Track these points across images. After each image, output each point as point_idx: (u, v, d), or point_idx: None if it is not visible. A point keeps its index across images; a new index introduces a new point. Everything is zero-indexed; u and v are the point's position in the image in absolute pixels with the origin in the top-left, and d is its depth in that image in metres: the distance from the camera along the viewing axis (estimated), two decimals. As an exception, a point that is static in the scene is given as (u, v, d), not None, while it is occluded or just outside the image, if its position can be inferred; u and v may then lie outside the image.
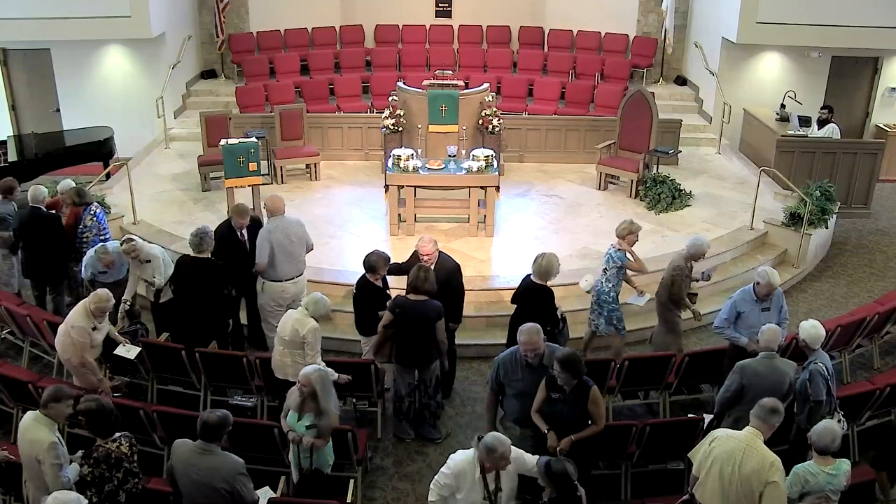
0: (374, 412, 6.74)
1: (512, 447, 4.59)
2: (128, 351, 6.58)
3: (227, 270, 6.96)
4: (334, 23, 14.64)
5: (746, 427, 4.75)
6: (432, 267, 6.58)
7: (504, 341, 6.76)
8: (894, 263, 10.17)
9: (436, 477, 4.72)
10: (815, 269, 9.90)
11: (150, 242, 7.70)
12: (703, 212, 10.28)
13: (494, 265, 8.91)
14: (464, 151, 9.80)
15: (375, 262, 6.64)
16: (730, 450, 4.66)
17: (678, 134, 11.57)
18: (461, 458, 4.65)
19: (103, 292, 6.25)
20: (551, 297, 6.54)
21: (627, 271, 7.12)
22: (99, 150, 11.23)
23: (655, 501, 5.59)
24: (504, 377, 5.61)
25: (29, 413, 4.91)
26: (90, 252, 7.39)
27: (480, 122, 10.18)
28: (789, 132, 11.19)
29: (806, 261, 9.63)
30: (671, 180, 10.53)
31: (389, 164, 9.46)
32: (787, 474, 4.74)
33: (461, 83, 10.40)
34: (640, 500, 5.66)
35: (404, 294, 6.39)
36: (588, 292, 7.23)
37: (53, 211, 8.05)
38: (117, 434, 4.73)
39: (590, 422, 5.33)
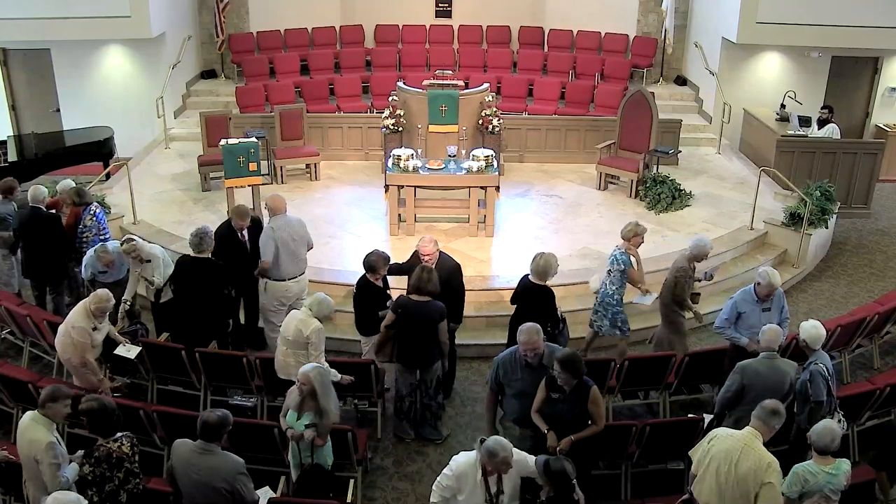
0: (374, 412, 6.74)
1: (514, 450, 4.58)
2: (128, 351, 6.57)
3: (227, 270, 6.96)
4: (334, 23, 14.64)
5: (746, 427, 4.76)
6: (433, 267, 6.58)
7: (504, 341, 6.76)
8: (894, 263, 10.17)
9: (438, 478, 4.71)
10: (815, 269, 9.90)
11: (150, 242, 7.70)
12: (703, 212, 10.28)
13: (494, 265, 8.91)
14: (464, 151, 9.80)
15: (375, 262, 6.64)
16: (727, 448, 4.67)
17: (678, 134, 11.57)
18: (463, 460, 4.64)
19: (103, 292, 6.25)
20: (551, 297, 6.53)
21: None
22: (99, 150, 11.23)
23: (655, 501, 5.59)
24: (504, 377, 5.60)
25: (28, 413, 4.91)
26: (90, 252, 7.39)
27: (480, 122, 10.18)
28: (789, 132, 11.19)
29: (806, 261, 9.63)
30: (671, 180, 10.53)
31: (389, 164, 9.46)
32: (786, 474, 4.75)
33: (461, 83, 10.40)
34: (640, 500, 5.66)
35: (406, 294, 6.39)
36: (595, 293, 7.23)
37: (53, 211, 8.05)
38: (119, 434, 4.73)
39: (590, 422, 5.33)
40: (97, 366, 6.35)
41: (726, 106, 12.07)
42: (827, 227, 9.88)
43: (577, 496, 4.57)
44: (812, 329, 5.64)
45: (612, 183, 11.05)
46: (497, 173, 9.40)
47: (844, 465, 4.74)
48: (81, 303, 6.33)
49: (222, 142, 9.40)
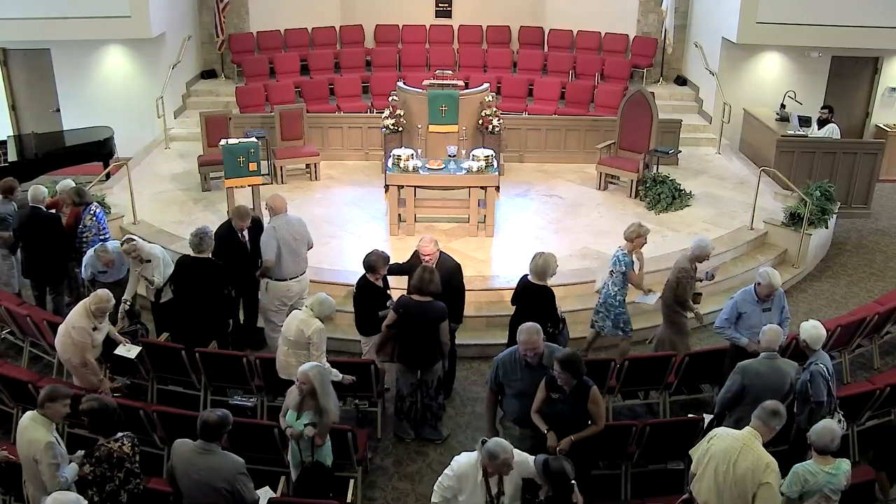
0: (374, 412, 6.73)
1: (516, 451, 4.57)
2: (128, 351, 6.57)
3: (228, 270, 6.96)
4: (334, 23, 14.64)
5: (746, 427, 4.76)
6: (433, 267, 6.57)
7: (504, 341, 6.76)
8: (894, 263, 10.17)
9: (439, 478, 4.71)
10: (815, 269, 9.90)
11: (150, 242, 7.69)
12: (703, 212, 10.28)
13: (494, 265, 8.91)
14: (464, 151, 9.80)
15: (375, 262, 6.64)
16: (726, 448, 4.67)
17: (678, 134, 11.57)
18: (464, 461, 4.64)
19: (103, 292, 6.25)
20: (551, 297, 6.53)
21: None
22: (99, 150, 11.23)
23: (655, 501, 5.59)
24: (503, 377, 5.60)
25: (27, 413, 4.91)
26: (90, 252, 7.39)
27: (480, 122, 10.18)
28: (789, 132, 11.19)
29: (806, 261, 9.63)
30: (671, 180, 10.53)
31: (389, 164, 9.46)
32: (786, 474, 4.75)
33: (461, 83, 10.40)
34: (640, 500, 5.66)
35: (408, 294, 6.39)
36: (597, 292, 7.23)
37: (53, 211, 8.05)
38: (119, 434, 4.73)
39: (590, 422, 5.33)
40: (97, 366, 6.35)
41: (726, 106, 12.07)
42: (827, 227, 9.88)
43: (576, 499, 4.57)
44: (812, 329, 5.64)
45: (612, 183, 11.05)
46: (497, 173, 9.40)
47: (844, 465, 4.74)
48: (81, 303, 6.33)
49: (222, 142, 9.40)
